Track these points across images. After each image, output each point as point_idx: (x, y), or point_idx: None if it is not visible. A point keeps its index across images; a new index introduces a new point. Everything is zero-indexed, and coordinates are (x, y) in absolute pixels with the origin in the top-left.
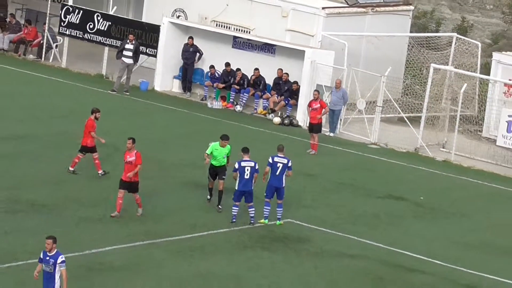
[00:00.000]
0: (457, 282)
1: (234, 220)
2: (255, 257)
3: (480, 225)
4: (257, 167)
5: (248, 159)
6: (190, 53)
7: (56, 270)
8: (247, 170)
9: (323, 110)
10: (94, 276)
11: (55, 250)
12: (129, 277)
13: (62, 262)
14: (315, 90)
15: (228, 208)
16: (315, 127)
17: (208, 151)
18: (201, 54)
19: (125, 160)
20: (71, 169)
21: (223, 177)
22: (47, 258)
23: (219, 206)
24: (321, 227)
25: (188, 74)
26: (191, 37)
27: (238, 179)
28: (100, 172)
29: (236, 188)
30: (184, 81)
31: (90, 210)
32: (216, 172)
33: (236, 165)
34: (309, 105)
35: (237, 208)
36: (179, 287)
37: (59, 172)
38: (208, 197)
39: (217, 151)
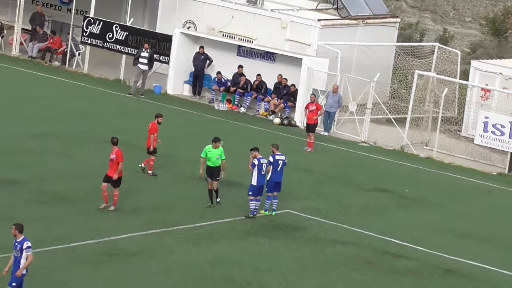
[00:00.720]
0: (438, 266)
1: (254, 214)
2: (257, 244)
3: (459, 215)
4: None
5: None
6: (201, 61)
7: (23, 255)
8: (264, 167)
9: (319, 111)
10: (113, 261)
11: (22, 237)
12: (144, 261)
13: (28, 247)
14: (311, 94)
15: (228, 200)
16: (311, 127)
17: (202, 155)
18: (211, 61)
19: (110, 157)
20: (149, 172)
21: (218, 178)
22: (16, 244)
23: (218, 200)
24: (316, 216)
25: (199, 79)
26: (202, 46)
27: (256, 175)
28: (150, 172)
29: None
30: (195, 86)
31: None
32: (211, 173)
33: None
34: (306, 107)
35: (256, 202)
36: (189, 271)
37: (80, 167)
38: (210, 204)
39: (211, 153)
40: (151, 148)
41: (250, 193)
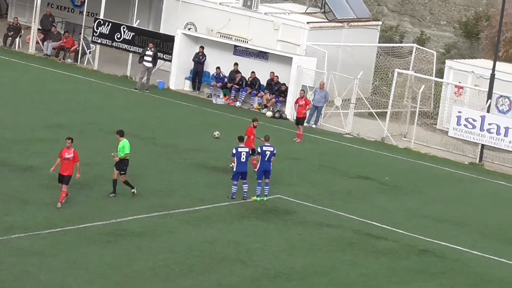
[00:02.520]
0: (414, 247)
1: (234, 196)
2: (250, 226)
3: (434, 200)
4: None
5: (243, 145)
6: (201, 59)
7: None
8: (243, 155)
9: (307, 106)
10: (120, 240)
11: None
12: (148, 241)
13: None
14: (301, 90)
15: (225, 186)
16: (300, 120)
17: (127, 151)
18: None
19: (63, 157)
20: (256, 170)
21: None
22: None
23: (133, 190)
24: (304, 201)
25: (198, 75)
26: (202, 47)
27: (235, 162)
28: (256, 170)
29: (234, 169)
30: (194, 82)
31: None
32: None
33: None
34: (296, 102)
35: (236, 187)
36: (189, 250)
37: (89, 155)
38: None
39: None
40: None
41: (232, 178)
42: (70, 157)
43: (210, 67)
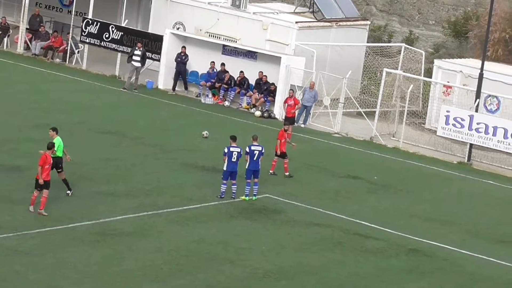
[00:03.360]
0: (403, 246)
1: (223, 195)
2: (239, 225)
3: (423, 199)
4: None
5: (235, 145)
6: (183, 59)
7: None
8: (235, 154)
9: (297, 106)
10: (108, 240)
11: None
12: (136, 241)
13: None
14: (290, 89)
15: (214, 185)
16: (290, 120)
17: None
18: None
19: (50, 163)
20: (286, 174)
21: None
22: None
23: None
24: (293, 201)
25: (181, 75)
26: (184, 46)
27: (226, 162)
28: (286, 173)
29: (225, 169)
30: (176, 82)
31: (104, 186)
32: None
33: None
34: (285, 101)
35: (225, 186)
36: (177, 249)
37: (78, 154)
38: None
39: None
40: (278, 152)
41: (222, 177)
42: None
43: (199, 67)
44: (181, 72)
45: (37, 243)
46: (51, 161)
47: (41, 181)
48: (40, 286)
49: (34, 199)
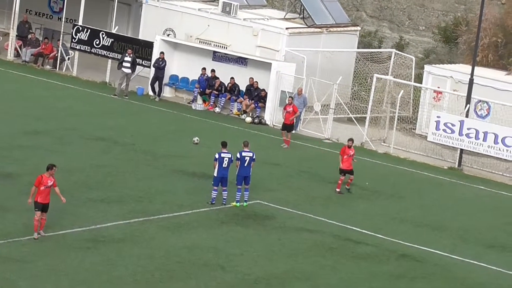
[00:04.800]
0: (394, 252)
1: (213, 202)
2: (230, 231)
3: (414, 205)
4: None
5: (226, 151)
6: (161, 65)
7: None
8: (226, 160)
9: (295, 113)
10: (99, 246)
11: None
12: (128, 247)
13: None
14: (289, 96)
15: (206, 192)
16: (288, 127)
17: None
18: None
19: (46, 185)
20: (337, 190)
21: None
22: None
23: None
24: (284, 206)
25: (158, 81)
26: (162, 52)
27: (217, 168)
28: (348, 187)
29: (215, 175)
30: (153, 87)
31: (95, 192)
32: None
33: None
34: (284, 108)
35: (216, 192)
36: (168, 256)
37: (69, 161)
38: None
39: None
40: (346, 169)
41: (213, 183)
42: (51, 184)
43: (190, 74)
44: (159, 78)
45: (28, 250)
46: (49, 183)
47: (29, 201)
48: None
49: (36, 224)
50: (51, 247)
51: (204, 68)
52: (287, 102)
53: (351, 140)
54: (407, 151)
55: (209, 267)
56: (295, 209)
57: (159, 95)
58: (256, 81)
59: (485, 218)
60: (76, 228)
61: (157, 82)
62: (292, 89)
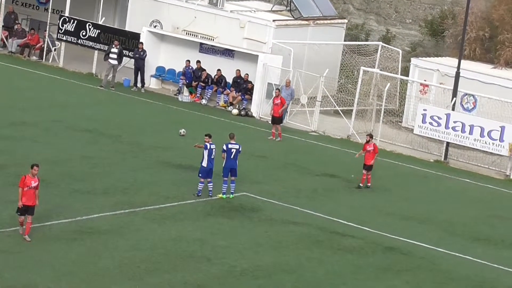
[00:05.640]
0: (380, 244)
1: (200, 194)
2: (216, 223)
3: (399, 198)
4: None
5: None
6: (141, 56)
7: None
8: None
9: (283, 106)
10: (85, 238)
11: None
12: (114, 238)
13: None
14: (276, 89)
15: (193, 184)
16: (277, 119)
17: None
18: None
19: (30, 186)
20: (361, 185)
21: None
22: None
23: None
24: (271, 199)
25: (140, 71)
26: (141, 43)
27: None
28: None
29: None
30: (136, 78)
31: (81, 184)
32: None
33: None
34: (273, 101)
35: (202, 184)
36: (154, 247)
37: (55, 153)
38: None
39: None
40: (368, 164)
41: (200, 175)
42: (36, 185)
43: (176, 65)
44: (140, 68)
45: (14, 241)
46: (33, 184)
47: (19, 204)
48: (17, 284)
49: (22, 221)
50: (37, 238)
51: (188, 61)
52: (274, 95)
53: (368, 135)
54: (393, 144)
55: (195, 259)
56: (282, 202)
57: (142, 86)
58: (247, 73)
59: (471, 211)
60: (62, 219)
61: (139, 73)
62: (279, 82)
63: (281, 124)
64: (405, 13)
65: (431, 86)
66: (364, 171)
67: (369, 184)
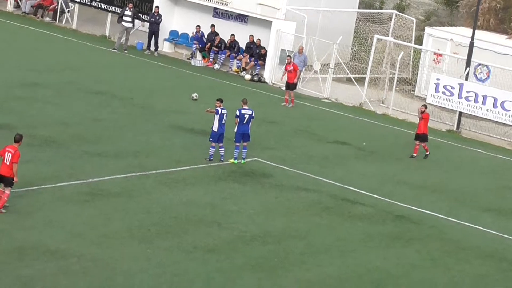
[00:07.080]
0: (390, 212)
1: (211, 158)
2: (227, 188)
3: (411, 166)
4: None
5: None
6: (156, 20)
7: None
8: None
9: (297, 72)
10: (96, 200)
11: None
12: (124, 201)
13: None
14: (288, 56)
15: (204, 149)
16: (291, 85)
17: None
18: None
19: (3, 155)
20: (414, 154)
21: None
22: None
23: None
24: (282, 165)
25: (155, 35)
26: (157, 6)
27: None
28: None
29: (215, 130)
30: (150, 42)
31: (92, 146)
32: None
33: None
34: (285, 68)
35: (214, 149)
36: (165, 211)
37: (67, 114)
38: None
39: None
40: (421, 133)
41: (211, 139)
42: (8, 158)
43: (189, 29)
44: (155, 32)
45: (25, 201)
46: (6, 155)
47: (15, 180)
48: (27, 244)
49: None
50: (48, 199)
51: (198, 26)
52: (286, 62)
53: (423, 105)
54: (406, 112)
55: (205, 224)
56: (293, 168)
57: (156, 49)
58: (259, 39)
59: (482, 182)
60: (73, 181)
61: (153, 37)
62: (292, 48)
63: (294, 91)
64: None
65: (444, 56)
66: (418, 142)
67: (427, 153)
